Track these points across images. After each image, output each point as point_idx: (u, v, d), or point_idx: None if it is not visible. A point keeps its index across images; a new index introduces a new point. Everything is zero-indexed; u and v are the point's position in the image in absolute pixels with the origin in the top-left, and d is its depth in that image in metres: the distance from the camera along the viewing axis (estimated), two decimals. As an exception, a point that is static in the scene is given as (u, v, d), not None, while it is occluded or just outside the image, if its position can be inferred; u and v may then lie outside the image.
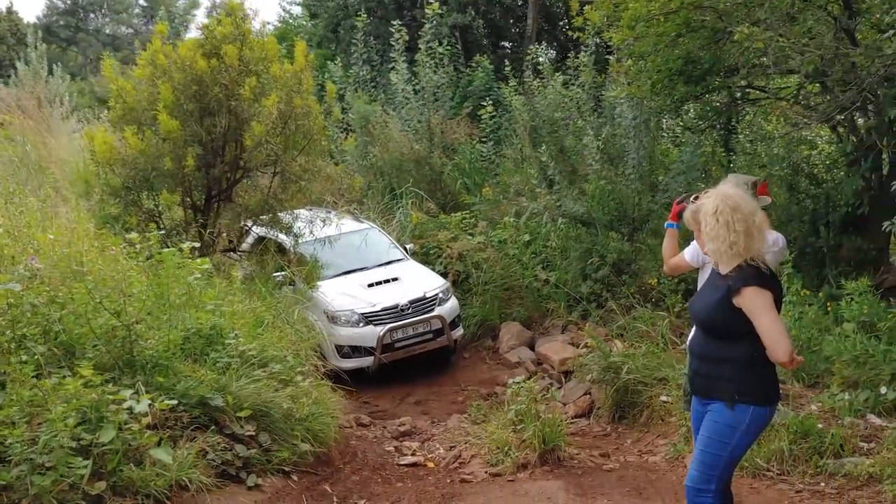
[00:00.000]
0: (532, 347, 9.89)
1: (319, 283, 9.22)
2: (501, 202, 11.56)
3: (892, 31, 6.84)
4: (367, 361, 9.17)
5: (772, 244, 4.99)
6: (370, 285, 9.61)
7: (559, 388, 8.25)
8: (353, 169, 12.62)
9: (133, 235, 6.10)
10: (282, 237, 9.18)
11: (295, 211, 9.20)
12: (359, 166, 12.70)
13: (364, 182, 11.95)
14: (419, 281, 9.85)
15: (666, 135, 11.10)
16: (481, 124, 13.40)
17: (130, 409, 4.26)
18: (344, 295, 9.43)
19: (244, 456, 5.03)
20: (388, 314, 9.31)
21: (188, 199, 8.88)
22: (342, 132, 13.45)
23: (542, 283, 10.44)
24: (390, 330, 9.19)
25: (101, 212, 8.52)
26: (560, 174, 10.49)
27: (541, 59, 13.06)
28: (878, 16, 8.08)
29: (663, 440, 6.95)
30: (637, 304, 9.35)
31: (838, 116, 9.08)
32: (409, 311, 9.37)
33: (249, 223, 8.99)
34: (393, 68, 13.48)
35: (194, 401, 4.96)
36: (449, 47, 14.09)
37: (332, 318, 9.20)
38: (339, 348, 9.12)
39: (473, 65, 15.35)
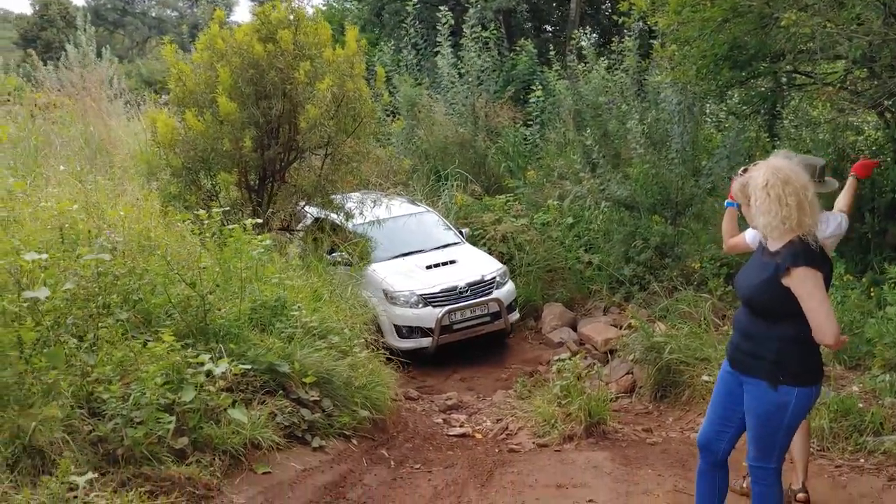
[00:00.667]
0: (574, 328, 10.10)
1: (376, 264, 9.42)
2: (545, 186, 11.75)
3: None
4: (424, 342, 9.28)
5: (835, 228, 4.80)
6: (428, 267, 9.71)
7: (603, 366, 8.44)
8: (399, 152, 12.89)
9: (201, 212, 6.40)
10: (337, 218, 9.41)
11: (349, 194, 9.41)
12: (405, 149, 12.97)
13: (410, 165, 12.21)
14: (477, 264, 9.95)
15: (710, 119, 11.17)
16: (527, 107, 13.57)
17: (209, 371, 4.57)
18: (402, 276, 9.54)
19: (309, 419, 5.34)
20: (447, 296, 9.38)
21: (244, 180, 9.21)
22: (389, 115, 13.72)
23: (584, 265, 10.64)
24: (449, 311, 9.28)
25: (164, 191, 8.87)
26: (604, 158, 10.65)
27: (584, 43, 13.16)
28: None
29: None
30: (679, 286, 9.52)
31: (886, 102, 9.16)
32: (468, 293, 9.46)
33: (303, 204, 9.19)
34: (438, 52, 13.68)
35: (263, 367, 5.27)
36: (494, 31, 14.25)
37: (391, 299, 9.29)
38: (397, 328, 9.23)
39: (517, 49, 15.50)
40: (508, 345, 10.14)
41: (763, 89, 10.07)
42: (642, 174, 10.28)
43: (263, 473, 4.77)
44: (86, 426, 4.10)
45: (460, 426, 7.18)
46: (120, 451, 4.12)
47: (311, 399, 5.44)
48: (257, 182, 9.36)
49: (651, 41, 11.43)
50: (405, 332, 9.27)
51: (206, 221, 6.36)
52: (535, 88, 13.51)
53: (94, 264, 4.72)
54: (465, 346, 9.67)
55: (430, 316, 9.23)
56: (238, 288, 5.80)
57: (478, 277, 9.61)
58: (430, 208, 11.15)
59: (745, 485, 4.84)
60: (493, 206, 11.39)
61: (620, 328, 9.43)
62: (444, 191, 11.84)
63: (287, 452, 5.05)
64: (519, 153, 12.64)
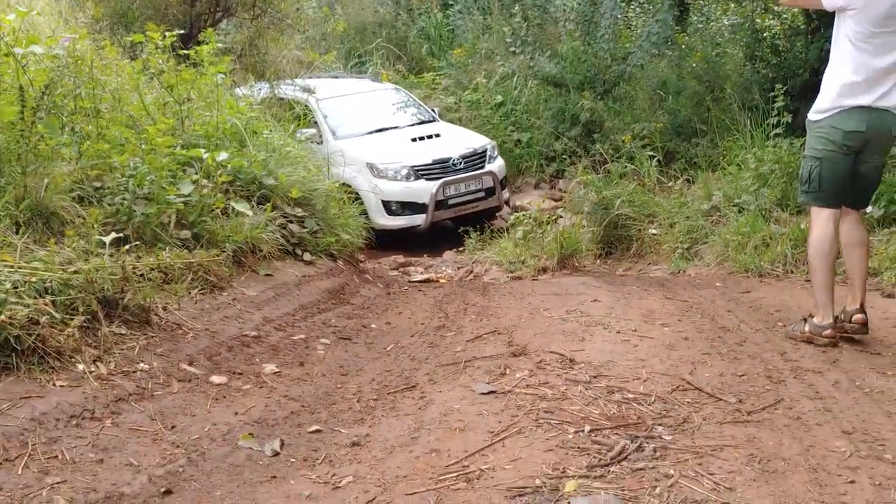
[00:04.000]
0: (507, 203, 10.11)
1: (352, 139, 8.84)
2: (469, 66, 11.60)
3: None
4: (417, 219, 8.56)
5: None
6: (413, 140, 9.00)
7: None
8: (314, 33, 12.33)
9: (153, 34, 5.87)
10: (302, 95, 8.72)
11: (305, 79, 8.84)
12: (320, 30, 12.41)
13: (343, 28, 11.61)
14: (463, 137, 9.36)
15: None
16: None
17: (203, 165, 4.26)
18: (387, 149, 8.82)
19: (298, 234, 5.12)
20: (440, 168, 8.70)
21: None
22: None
23: (514, 143, 10.63)
24: (444, 185, 8.59)
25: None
26: (532, 36, 10.60)
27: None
28: None
29: (656, 267, 7.31)
30: (611, 159, 9.70)
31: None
32: (462, 165, 8.80)
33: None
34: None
35: (249, 177, 4.96)
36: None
37: (378, 173, 8.51)
38: (386, 205, 8.47)
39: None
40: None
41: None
42: (572, 51, 10.31)
43: (266, 275, 4.55)
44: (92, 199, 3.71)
45: (420, 275, 7.08)
46: (129, 231, 3.77)
47: (298, 215, 5.19)
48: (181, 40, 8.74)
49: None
50: (395, 208, 8.53)
51: (159, 43, 5.86)
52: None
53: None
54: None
55: (423, 190, 8.52)
56: (207, 103, 5.40)
57: (470, 149, 9.02)
58: (396, 85, 10.53)
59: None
60: (420, 83, 11.16)
61: (556, 200, 9.54)
62: (368, 69, 11.47)
63: (282, 262, 4.83)
64: (440, 35, 12.39)
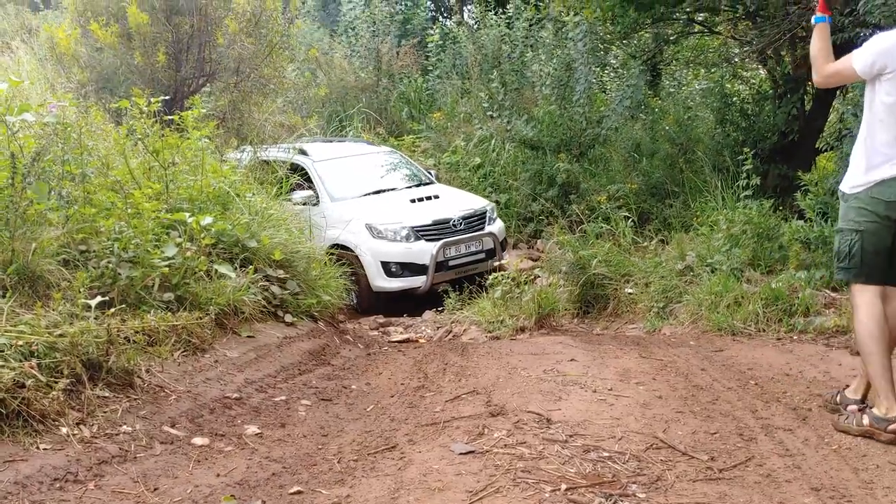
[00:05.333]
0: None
1: (349, 201, 8.78)
2: (448, 129, 11.86)
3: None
4: (417, 281, 8.34)
5: None
6: (412, 201, 8.87)
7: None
8: (297, 98, 12.58)
9: (138, 99, 6.01)
10: (296, 157, 8.80)
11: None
12: (301, 96, 12.68)
13: (306, 111, 11.91)
14: (463, 199, 9.26)
15: (612, 64, 11.65)
16: (427, 53, 13.63)
17: (186, 229, 4.35)
18: (386, 210, 8.67)
19: (280, 296, 5.18)
20: (441, 229, 8.53)
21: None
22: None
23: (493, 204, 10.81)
24: (444, 245, 8.41)
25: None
26: (509, 100, 10.90)
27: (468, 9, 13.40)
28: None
29: (632, 325, 7.43)
30: (586, 220, 9.89)
31: (768, 51, 9.91)
32: (462, 226, 8.66)
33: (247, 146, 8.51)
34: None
35: (232, 240, 5.05)
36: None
37: (378, 234, 8.35)
38: (385, 267, 8.27)
39: (410, 3, 15.55)
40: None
41: (666, 33, 10.56)
42: (548, 115, 10.59)
43: (248, 337, 4.61)
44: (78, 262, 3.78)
45: (400, 335, 7.14)
46: (114, 294, 3.84)
47: (280, 277, 5.26)
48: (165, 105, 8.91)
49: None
50: (395, 269, 8.34)
51: (144, 108, 5.99)
52: (433, 34, 13.57)
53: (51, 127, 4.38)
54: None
55: (423, 251, 8.32)
56: (192, 168, 5.51)
57: (470, 210, 8.89)
58: (391, 148, 10.57)
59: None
60: (400, 146, 11.37)
61: (534, 260, 9.68)
62: (349, 132, 11.69)
63: (264, 323, 4.89)
64: (420, 99, 12.67)
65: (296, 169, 8.70)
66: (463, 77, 12.68)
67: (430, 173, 9.99)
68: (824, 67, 3.78)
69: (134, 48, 8.15)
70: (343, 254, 8.14)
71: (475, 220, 8.87)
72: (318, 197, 8.70)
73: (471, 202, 9.18)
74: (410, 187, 9.46)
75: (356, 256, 8.24)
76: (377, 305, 8.37)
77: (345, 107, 12.39)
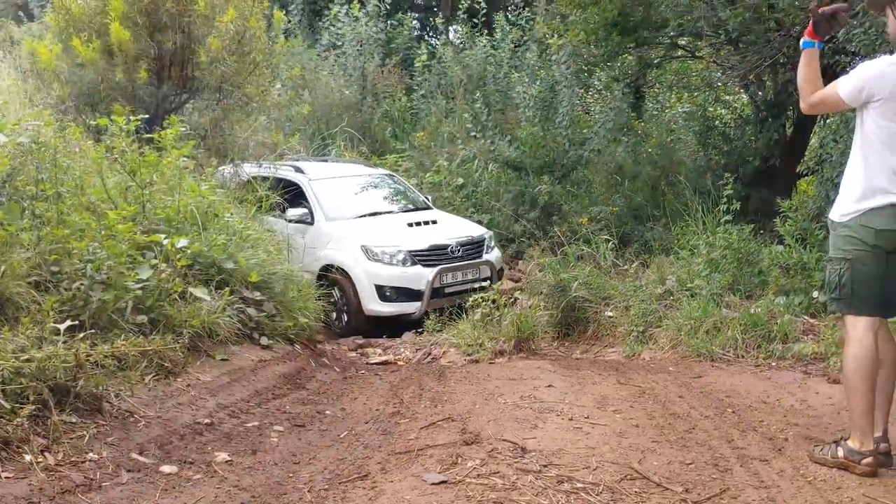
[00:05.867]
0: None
1: (343, 221, 8.64)
2: (432, 148, 11.87)
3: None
4: (412, 307, 8.08)
5: None
6: (410, 225, 8.66)
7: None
8: (280, 116, 12.54)
9: (117, 117, 5.98)
10: (292, 175, 8.77)
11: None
12: (284, 114, 12.64)
13: (309, 110, 11.82)
14: (461, 226, 9.10)
15: (595, 87, 11.72)
16: (412, 73, 13.67)
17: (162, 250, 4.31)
18: (382, 232, 8.47)
19: (256, 318, 5.14)
20: (438, 255, 8.32)
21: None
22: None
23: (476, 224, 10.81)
24: (441, 272, 8.20)
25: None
26: (494, 121, 10.94)
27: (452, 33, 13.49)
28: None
29: (611, 349, 7.42)
30: (568, 242, 9.90)
31: (750, 76, 10.00)
32: (460, 253, 8.45)
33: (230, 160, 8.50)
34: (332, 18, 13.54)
35: (209, 261, 5.01)
36: (378, 5, 14.25)
37: (373, 256, 8.15)
38: (380, 290, 8.05)
39: (395, 22, 15.59)
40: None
41: (644, 56, 10.64)
42: (531, 136, 10.63)
43: (222, 360, 4.56)
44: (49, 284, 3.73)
45: (378, 356, 7.09)
46: (84, 317, 3.78)
47: (256, 299, 5.22)
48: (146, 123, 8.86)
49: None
50: (389, 293, 8.08)
51: (123, 126, 5.96)
52: (420, 54, 13.61)
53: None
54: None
55: (420, 276, 8.10)
56: (170, 187, 5.47)
57: (468, 237, 8.72)
58: (389, 172, 10.46)
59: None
60: (383, 165, 11.36)
61: (515, 281, 9.66)
62: (331, 150, 11.67)
63: (239, 346, 4.85)
64: (404, 119, 12.69)
65: (288, 186, 8.66)
66: (447, 97, 12.71)
67: (427, 199, 9.84)
68: (809, 97, 3.70)
69: (115, 65, 8.10)
70: (335, 276, 8.11)
71: (473, 248, 8.68)
72: (312, 216, 8.58)
73: (469, 229, 9.01)
74: (408, 211, 9.30)
75: (348, 278, 8.10)
76: (364, 329, 8.17)
77: (328, 125, 12.37)
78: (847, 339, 3.63)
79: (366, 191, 9.39)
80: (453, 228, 8.88)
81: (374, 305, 8.05)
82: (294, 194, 8.72)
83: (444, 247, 8.40)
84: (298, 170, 9.07)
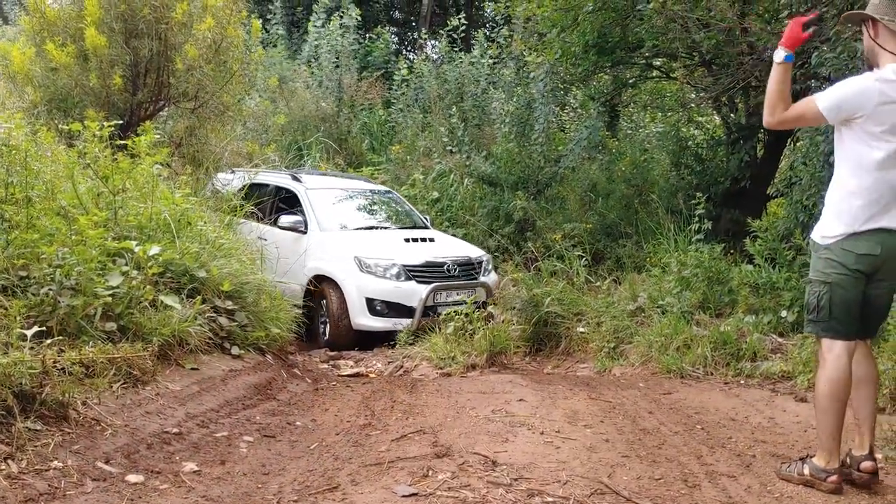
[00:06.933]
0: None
1: (339, 232, 8.54)
2: (408, 162, 11.89)
3: (786, 12, 7.78)
4: (401, 323, 7.82)
5: None
6: (406, 241, 8.54)
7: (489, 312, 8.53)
8: (255, 126, 12.52)
9: (90, 122, 5.93)
10: (288, 183, 8.76)
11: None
12: (260, 124, 12.61)
13: (285, 120, 11.81)
14: (459, 246, 8.96)
15: (571, 105, 11.81)
16: (390, 86, 13.70)
17: (133, 257, 4.27)
18: (378, 245, 8.31)
19: (227, 328, 5.10)
20: (434, 272, 8.13)
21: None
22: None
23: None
24: (435, 289, 7.94)
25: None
26: (470, 136, 10.98)
27: (429, 48, 13.57)
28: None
29: (583, 365, 7.44)
30: (541, 257, 9.95)
31: (722, 98, 10.15)
32: (456, 272, 8.28)
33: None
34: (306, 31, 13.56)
35: (181, 269, 4.96)
36: (357, 17, 14.29)
37: (366, 268, 7.94)
38: (370, 304, 7.85)
39: (374, 36, 15.63)
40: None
41: (625, 76, 10.76)
42: (507, 152, 10.68)
43: (192, 369, 4.51)
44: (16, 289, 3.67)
45: (350, 368, 7.06)
46: (52, 323, 3.73)
47: (228, 308, 5.18)
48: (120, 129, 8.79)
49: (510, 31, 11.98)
50: (380, 307, 7.87)
51: (96, 132, 5.91)
52: (399, 69, 13.66)
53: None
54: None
55: (413, 292, 7.89)
56: (143, 194, 5.42)
57: (466, 257, 8.57)
58: (389, 188, 10.39)
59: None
60: (356, 178, 11.35)
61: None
62: (307, 162, 11.64)
63: (209, 355, 4.80)
64: (382, 132, 12.71)
65: (279, 192, 8.71)
66: (424, 111, 12.75)
67: (425, 218, 9.71)
68: (782, 111, 3.55)
69: (90, 70, 8.04)
70: (324, 288, 8.02)
71: (470, 269, 8.51)
72: (306, 225, 8.48)
73: (466, 250, 8.88)
74: (405, 228, 9.17)
75: (338, 289, 7.93)
76: (351, 343, 7.99)
77: (304, 136, 12.35)
78: (822, 361, 3.61)
79: (364, 205, 9.35)
80: (451, 248, 8.76)
81: (362, 319, 7.84)
82: (289, 203, 8.74)
83: (440, 264, 8.22)
84: (295, 178, 9.04)
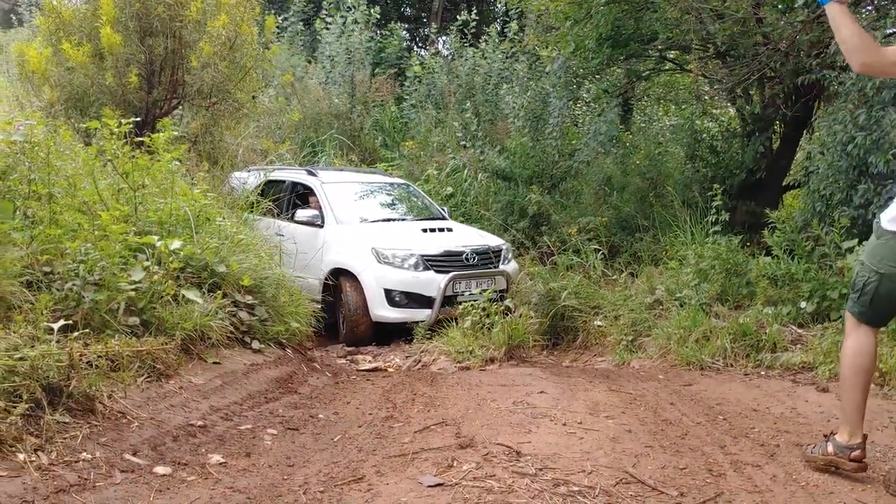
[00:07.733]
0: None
1: (357, 224, 8.52)
2: (421, 158, 11.90)
3: (801, 1, 7.72)
4: (421, 314, 7.77)
5: None
6: (424, 231, 8.49)
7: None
8: (268, 122, 12.55)
9: (109, 120, 5.95)
10: (304, 178, 8.78)
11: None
12: (274, 120, 12.65)
13: (280, 136, 11.90)
14: (477, 235, 8.83)
15: (584, 99, 11.77)
16: (402, 82, 13.71)
17: (155, 252, 4.29)
18: (395, 236, 8.27)
19: (247, 322, 5.11)
20: (452, 261, 8.05)
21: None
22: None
23: (464, 233, 10.82)
24: (454, 279, 7.88)
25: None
26: (483, 131, 10.97)
27: (441, 45, 13.57)
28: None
29: (601, 358, 7.44)
30: (557, 252, 9.94)
31: (737, 90, 10.10)
32: (475, 261, 8.20)
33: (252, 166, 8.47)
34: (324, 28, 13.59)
35: (201, 264, 4.98)
36: (367, 14, 14.31)
37: (384, 259, 7.88)
38: (389, 295, 7.79)
39: (387, 32, 15.65)
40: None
41: (638, 69, 10.72)
42: (521, 146, 10.67)
43: (214, 363, 4.52)
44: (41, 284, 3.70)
45: (368, 363, 7.07)
46: (77, 317, 3.76)
47: (248, 302, 5.20)
48: (136, 127, 8.84)
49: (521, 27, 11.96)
50: (398, 298, 7.81)
51: (114, 129, 5.93)
52: (412, 65, 13.67)
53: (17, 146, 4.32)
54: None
55: (432, 282, 7.80)
56: (162, 190, 5.45)
57: (485, 245, 8.46)
58: (406, 181, 10.32)
59: None
60: (374, 173, 11.36)
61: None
62: (321, 158, 11.67)
63: (231, 350, 4.82)
64: (394, 128, 12.72)
65: (295, 188, 8.76)
66: (437, 107, 12.75)
67: (443, 210, 9.65)
68: (870, 53, 3.14)
69: (106, 69, 8.08)
70: (342, 281, 8.00)
71: (489, 257, 8.38)
72: (323, 219, 8.47)
73: (486, 239, 8.76)
74: (422, 219, 9.12)
75: (356, 282, 7.89)
76: (369, 337, 7.96)
77: (318, 133, 12.37)
78: (847, 334, 3.61)
79: (381, 198, 9.34)
80: (469, 237, 8.68)
81: (381, 310, 7.80)
82: (306, 199, 8.79)
83: (459, 253, 8.15)
84: (311, 173, 9.05)
